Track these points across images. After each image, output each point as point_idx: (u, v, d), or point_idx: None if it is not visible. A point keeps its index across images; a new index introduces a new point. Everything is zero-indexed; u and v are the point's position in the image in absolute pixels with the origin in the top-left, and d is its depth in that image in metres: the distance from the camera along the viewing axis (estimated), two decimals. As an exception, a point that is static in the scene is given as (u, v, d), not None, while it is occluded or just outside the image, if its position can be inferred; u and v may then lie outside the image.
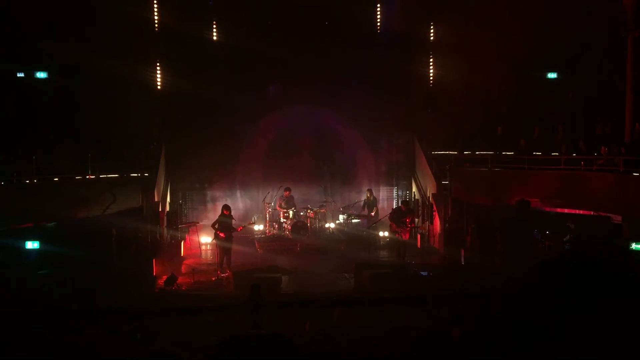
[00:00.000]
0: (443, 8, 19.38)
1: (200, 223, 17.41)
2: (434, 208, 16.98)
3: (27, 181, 15.10)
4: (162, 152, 18.03)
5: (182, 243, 16.41)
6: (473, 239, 15.15)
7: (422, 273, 13.98)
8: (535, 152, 17.08)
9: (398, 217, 15.18)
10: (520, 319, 10.35)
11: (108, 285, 12.48)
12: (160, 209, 16.25)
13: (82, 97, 17.90)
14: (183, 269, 14.73)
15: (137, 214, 15.53)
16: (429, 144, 18.79)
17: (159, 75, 18.91)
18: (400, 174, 19.88)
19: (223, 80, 18.52)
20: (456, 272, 13.98)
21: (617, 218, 15.05)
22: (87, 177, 15.95)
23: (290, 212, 17.31)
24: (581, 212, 15.60)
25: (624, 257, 13.19)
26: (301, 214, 17.56)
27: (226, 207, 14.48)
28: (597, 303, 10.81)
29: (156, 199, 16.18)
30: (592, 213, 15.43)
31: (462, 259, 14.57)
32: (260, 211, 17.98)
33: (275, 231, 17.22)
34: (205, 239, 16.51)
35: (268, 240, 17.08)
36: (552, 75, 19.05)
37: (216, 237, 14.20)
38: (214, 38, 19.36)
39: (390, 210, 16.37)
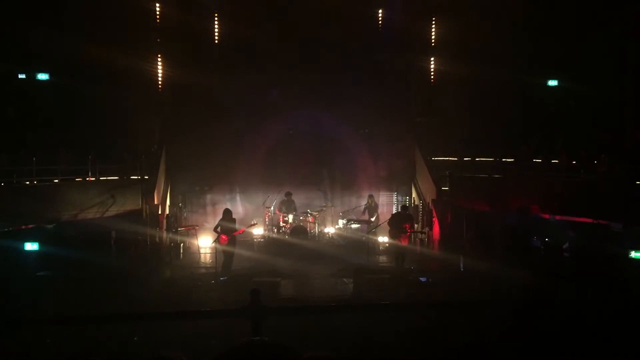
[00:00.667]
0: (445, 13, 19.43)
1: (200, 226, 17.40)
2: (434, 214, 16.99)
3: (27, 183, 15.08)
4: (163, 155, 18.05)
5: (182, 246, 16.39)
6: (472, 245, 15.14)
7: (421, 279, 13.96)
8: (536, 159, 17.10)
9: (397, 223, 15.18)
10: (519, 325, 10.36)
11: (107, 288, 12.46)
12: (160, 212, 16.25)
13: (82, 99, 17.89)
14: (182, 272, 14.70)
15: (136, 217, 15.52)
16: (429, 149, 18.81)
17: (159, 76, 18.96)
18: (400, 180, 19.85)
19: (224, 82, 18.55)
20: (455, 279, 13.97)
21: (616, 226, 15.05)
22: (87, 179, 15.93)
23: (290, 217, 17.31)
24: (581, 219, 15.60)
25: (623, 265, 13.19)
26: (300, 218, 17.55)
27: (227, 212, 14.39)
28: (596, 310, 10.83)
29: (156, 202, 16.18)
30: (591, 220, 15.42)
31: (462, 265, 14.56)
32: (260, 215, 17.97)
33: (274, 235, 17.21)
34: (205, 242, 16.49)
35: (267, 244, 17.07)
36: (553, 83, 19.08)
37: (217, 241, 14.16)
38: (215, 41, 19.43)
39: (389, 216, 16.38)
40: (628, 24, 16.49)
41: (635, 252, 13.26)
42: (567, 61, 18.54)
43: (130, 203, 15.87)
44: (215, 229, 14.30)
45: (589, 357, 8.94)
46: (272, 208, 17.67)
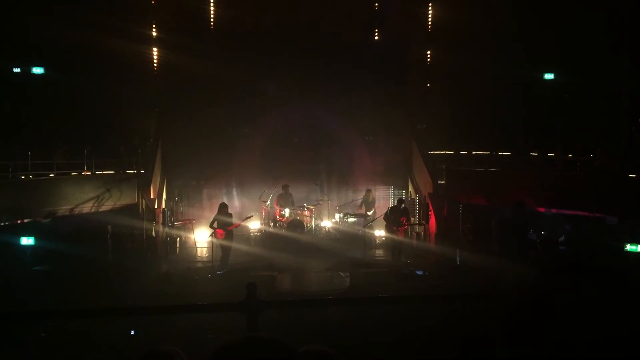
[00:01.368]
0: (442, 2, 19.42)
1: (196, 220, 17.39)
2: (430, 207, 16.99)
3: (23, 177, 15.04)
4: (159, 149, 18.00)
5: (178, 240, 16.37)
6: (469, 239, 15.16)
7: (417, 272, 14.00)
8: (532, 152, 17.10)
9: (394, 217, 15.19)
10: (515, 318, 10.40)
11: (103, 282, 12.45)
12: (156, 206, 16.22)
13: (78, 93, 17.82)
14: (179, 266, 14.70)
15: (133, 211, 15.49)
16: (425, 143, 18.81)
17: (155, 70, 18.89)
18: (396, 174, 19.85)
19: (221, 76, 18.49)
20: (452, 272, 14.00)
21: (612, 219, 15.08)
22: (83, 173, 15.89)
23: (286, 211, 17.29)
24: (577, 213, 15.63)
25: (619, 258, 13.23)
26: (297, 212, 17.54)
27: (223, 206, 14.35)
28: (592, 302, 10.87)
29: (152, 196, 16.14)
30: (587, 214, 15.45)
31: (458, 259, 14.59)
32: (256, 209, 17.95)
33: (271, 229, 17.21)
34: (201, 236, 16.48)
35: (264, 238, 17.07)
36: (549, 76, 19.06)
37: (213, 235, 14.14)
38: (212, 34, 19.37)
39: (386, 210, 16.38)
40: (625, 16, 16.46)
41: (631, 245, 13.29)
42: (564, 54, 18.52)
43: (126, 197, 15.82)
44: (211, 225, 14.28)
45: (585, 349, 8.98)
46: (268, 202, 17.65)
